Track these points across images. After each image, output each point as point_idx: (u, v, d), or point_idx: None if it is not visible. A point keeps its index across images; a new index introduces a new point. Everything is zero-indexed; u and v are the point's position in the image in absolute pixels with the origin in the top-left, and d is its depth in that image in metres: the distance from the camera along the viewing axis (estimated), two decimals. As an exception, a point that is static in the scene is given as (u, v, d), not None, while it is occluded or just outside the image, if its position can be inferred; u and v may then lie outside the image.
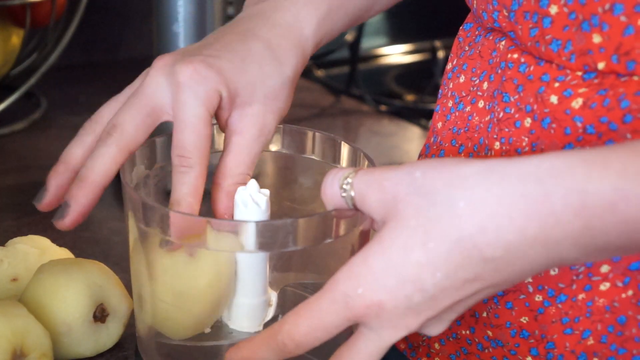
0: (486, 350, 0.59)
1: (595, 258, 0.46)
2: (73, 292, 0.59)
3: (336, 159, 0.60)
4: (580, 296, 0.53)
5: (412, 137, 1.08)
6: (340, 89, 1.19)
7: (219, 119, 0.57)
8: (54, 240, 0.76)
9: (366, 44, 1.38)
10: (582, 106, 0.51)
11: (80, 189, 0.54)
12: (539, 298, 0.55)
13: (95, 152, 0.54)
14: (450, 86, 0.62)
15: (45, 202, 0.56)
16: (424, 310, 0.46)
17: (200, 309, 0.54)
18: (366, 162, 0.58)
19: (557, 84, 0.52)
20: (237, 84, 0.56)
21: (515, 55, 0.55)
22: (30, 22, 0.93)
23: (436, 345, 0.63)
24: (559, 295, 0.54)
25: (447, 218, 0.44)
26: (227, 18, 1.11)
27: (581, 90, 0.51)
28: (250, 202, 0.54)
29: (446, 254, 0.44)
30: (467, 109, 0.60)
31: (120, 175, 0.54)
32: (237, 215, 0.55)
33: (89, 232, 0.78)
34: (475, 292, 0.45)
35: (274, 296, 0.56)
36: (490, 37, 0.58)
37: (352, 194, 0.48)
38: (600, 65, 0.50)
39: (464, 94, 0.60)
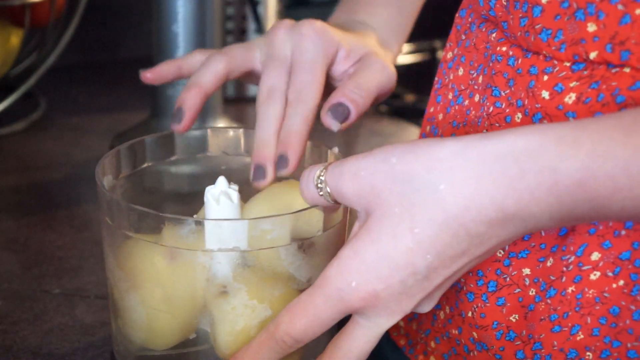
0: (471, 353, 0.59)
1: (570, 224, 0.48)
2: None
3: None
4: (570, 289, 0.53)
5: (411, 137, 1.08)
6: (340, 89, 1.18)
7: (335, 73, 0.64)
8: (53, 241, 0.76)
9: (366, 44, 1.37)
10: (576, 101, 0.51)
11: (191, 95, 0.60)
12: (532, 292, 0.55)
13: (206, 63, 0.62)
14: (451, 77, 0.62)
15: (184, 123, 0.60)
16: (418, 292, 0.47)
17: (189, 311, 0.53)
18: (329, 153, 0.59)
19: (546, 77, 0.52)
20: (352, 44, 0.64)
21: (504, 48, 0.55)
22: (29, 22, 0.93)
23: (432, 344, 0.63)
24: (549, 290, 0.54)
25: (430, 202, 0.45)
26: (227, 18, 1.11)
27: (572, 84, 0.51)
28: (222, 198, 0.54)
29: (434, 237, 0.45)
30: (465, 103, 0.60)
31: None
32: (209, 213, 0.54)
33: (88, 232, 0.78)
34: (462, 266, 0.47)
35: None
36: (483, 29, 0.58)
37: (328, 190, 0.49)
38: (592, 55, 0.50)
39: (462, 87, 0.60)
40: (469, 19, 0.61)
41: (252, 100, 1.16)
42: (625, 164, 0.42)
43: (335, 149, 0.60)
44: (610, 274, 0.52)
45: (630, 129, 0.43)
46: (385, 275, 0.46)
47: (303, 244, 0.52)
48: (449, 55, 0.63)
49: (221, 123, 0.96)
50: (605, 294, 0.52)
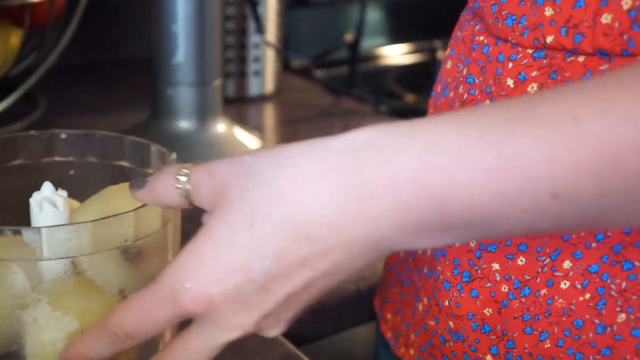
0: (447, 344, 0.59)
1: (422, 241, 0.43)
2: None
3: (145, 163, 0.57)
4: (543, 291, 0.54)
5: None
6: (340, 89, 1.19)
7: None
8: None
9: (366, 44, 1.38)
10: (537, 91, 0.51)
11: None
12: (505, 288, 0.55)
13: None
14: (443, 72, 0.63)
15: None
16: (256, 305, 0.43)
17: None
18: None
19: (510, 64, 0.53)
20: None
21: (482, 38, 0.56)
22: (29, 22, 0.93)
23: (412, 336, 0.63)
24: (523, 288, 0.54)
25: (270, 198, 0.42)
26: (227, 18, 1.11)
27: (534, 73, 0.52)
28: (45, 205, 0.51)
29: (272, 237, 0.42)
30: (450, 95, 0.60)
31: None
32: (33, 220, 0.51)
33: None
34: (307, 283, 0.43)
35: None
36: (472, 23, 0.59)
37: (189, 187, 0.46)
38: (549, 39, 0.51)
39: (449, 80, 0.61)
40: (467, 16, 0.62)
41: (252, 100, 1.16)
42: (460, 155, 0.39)
43: (174, 155, 0.55)
44: (578, 286, 0.52)
45: (465, 121, 0.40)
46: (220, 278, 0.43)
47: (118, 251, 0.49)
48: (447, 52, 0.64)
49: (221, 123, 0.96)
50: (572, 307, 0.53)
